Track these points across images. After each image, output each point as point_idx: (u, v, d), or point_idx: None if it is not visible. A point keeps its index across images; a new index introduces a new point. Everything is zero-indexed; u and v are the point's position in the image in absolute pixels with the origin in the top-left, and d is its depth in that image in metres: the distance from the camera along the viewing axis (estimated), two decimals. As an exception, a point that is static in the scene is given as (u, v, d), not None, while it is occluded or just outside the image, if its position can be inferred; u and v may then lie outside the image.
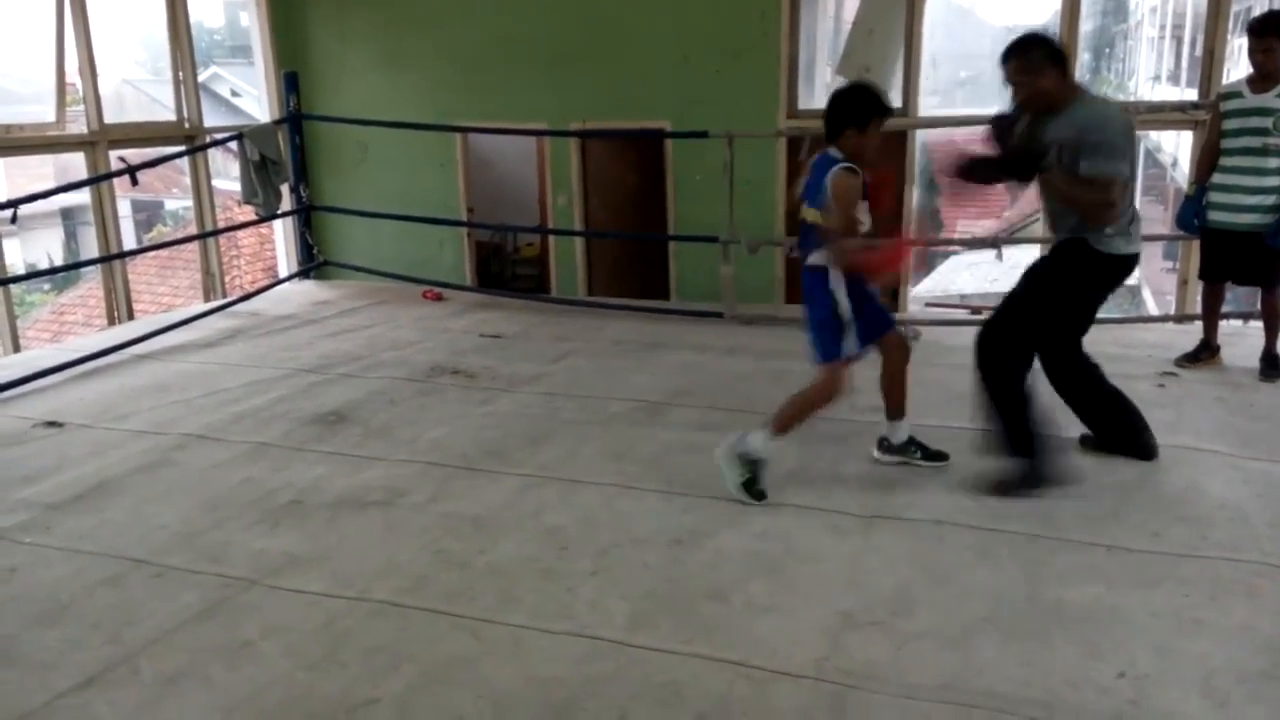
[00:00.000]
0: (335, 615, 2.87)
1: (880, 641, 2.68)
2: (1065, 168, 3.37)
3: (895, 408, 3.81)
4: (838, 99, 3.48)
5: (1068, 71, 3.44)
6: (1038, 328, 3.63)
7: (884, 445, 3.88)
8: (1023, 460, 3.52)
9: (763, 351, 5.60)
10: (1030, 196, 13.71)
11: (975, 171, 3.57)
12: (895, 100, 6.37)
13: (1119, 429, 3.85)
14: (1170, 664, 2.55)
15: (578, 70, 7.02)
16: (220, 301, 7.14)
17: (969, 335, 5.85)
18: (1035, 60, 3.37)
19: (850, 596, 2.91)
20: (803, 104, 6.63)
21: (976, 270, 12.19)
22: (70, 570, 3.18)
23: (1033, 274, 3.70)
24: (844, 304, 3.46)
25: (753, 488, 3.51)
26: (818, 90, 6.95)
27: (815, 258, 3.49)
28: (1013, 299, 3.67)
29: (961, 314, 7.02)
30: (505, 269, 9.23)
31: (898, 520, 3.40)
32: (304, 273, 7.87)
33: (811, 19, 6.76)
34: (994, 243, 6.26)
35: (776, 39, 6.51)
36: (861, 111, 3.39)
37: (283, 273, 8.22)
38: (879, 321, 3.66)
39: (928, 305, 7.69)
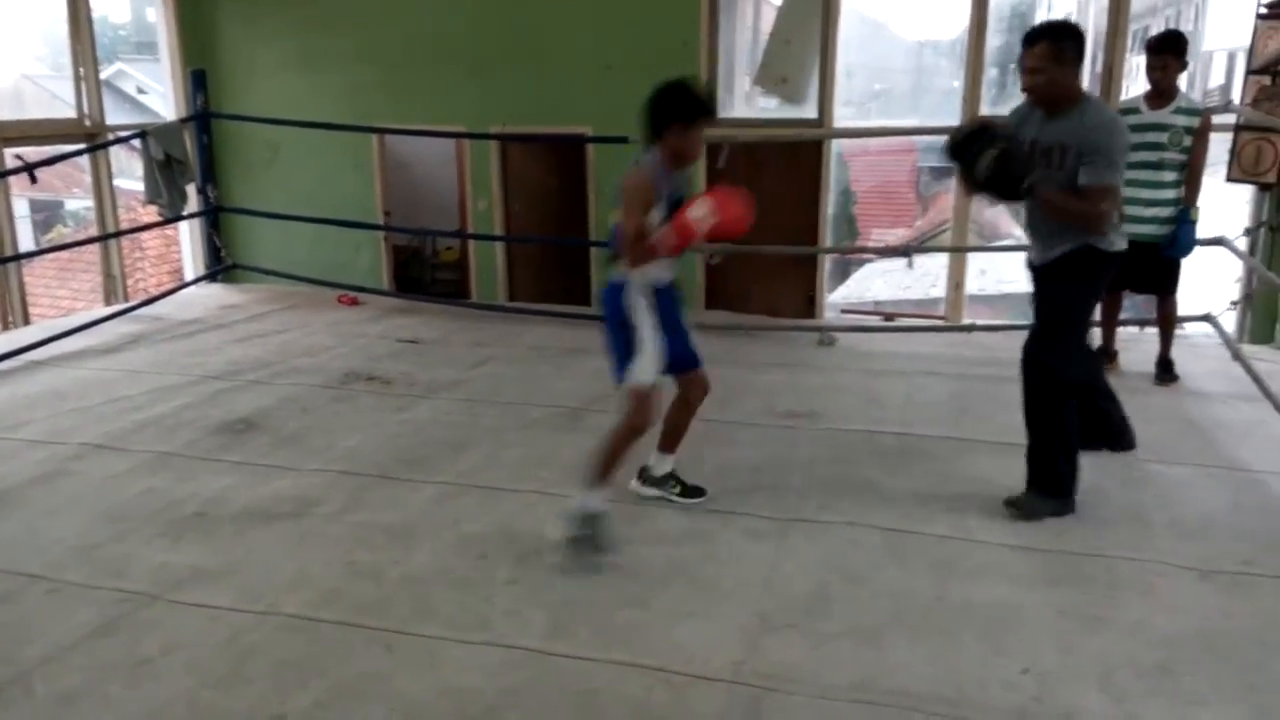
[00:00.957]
0: (241, 630, 2.78)
1: (796, 643, 2.71)
2: (1062, 172, 3.24)
3: (672, 441, 3.57)
4: (664, 93, 3.09)
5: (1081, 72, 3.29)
6: (1074, 339, 3.53)
7: (644, 476, 3.63)
8: (1053, 497, 3.49)
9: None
10: (941, 206, 13.94)
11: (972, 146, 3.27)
12: (811, 111, 6.49)
13: (1105, 421, 3.81)
14: (1072, 660, 2.64)
15: (498, 73, 6.96)
16: (122, 305, 6.87)
17: (882, 341, 6.04)
18: (1066, 51, 3.20)
19: (767, 599, 2.94)
20: (722, 112, 6.68)
21: (890, 278, 12.47)
22: (-44, 588, 3.02)
23: (1050, 292, 3.49)
24: (640, 323, 3.15)
25: (584, 545, 3.15)
26: (737, 99, 7.03)
27: (612, 270, 3.22)
28: (1044, 321, 3.51)
29: (875, 320, 7.16)
30: (424, 273, 9.08)
31: (813, 523, 3.44)
32: (211, 276, 7.63)
33: (730, 29, 6.82)
34: (905, 251, 6.41)
35: (695, 48, 6.56)
36: (689, 107, 3.06)
37: (189, 276, 7.95)
38: (685, 355, 3.39)
39: (842, 311, 7.83)
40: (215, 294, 7.42)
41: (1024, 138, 3.33)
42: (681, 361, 3.39)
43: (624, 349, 3.22)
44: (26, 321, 6.58)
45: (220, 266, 7.62)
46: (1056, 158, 3.26)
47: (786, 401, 4.77)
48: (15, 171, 6.04)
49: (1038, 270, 3.51)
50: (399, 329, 6.33)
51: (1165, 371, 5.05)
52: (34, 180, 6.12)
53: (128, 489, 3.76)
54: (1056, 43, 3.21)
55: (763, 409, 4.67)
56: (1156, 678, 2.56)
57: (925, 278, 11.23)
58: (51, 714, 2.43)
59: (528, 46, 6.90)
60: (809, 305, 6.72)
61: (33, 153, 6.33)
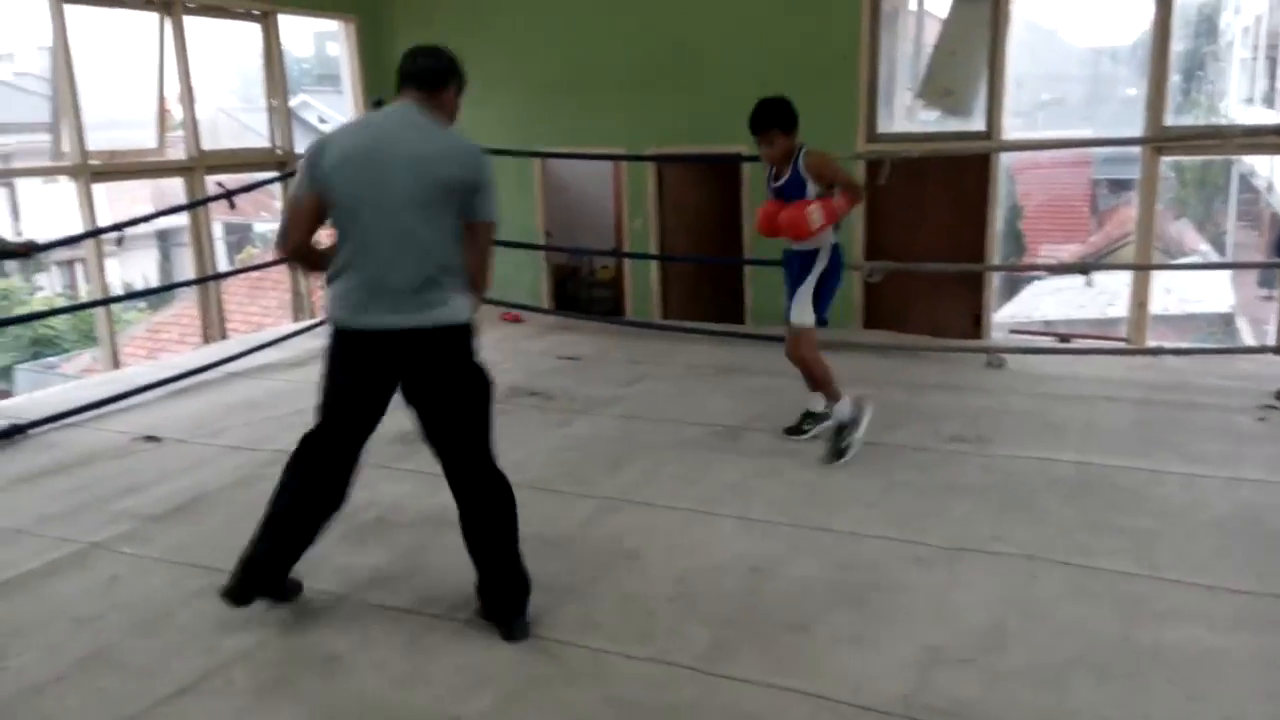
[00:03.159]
0: (420, 632, 2.91)
1: (969, 679, 2.61)
2: None
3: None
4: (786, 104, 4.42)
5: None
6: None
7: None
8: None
9: (839, 377, 5.53)
10: (1120, 220, 13.16)
11: None
12: (979, 123, 6.28)
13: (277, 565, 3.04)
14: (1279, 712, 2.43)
15: (655, 95, 7.07)
16: (308, 322, 7.34)
17: (1056, 363, 5.76)
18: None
19: (938, 631, 2.85)
20: (882, 127, 6.57)
21: (1062, 296, 11.88)
22: (168, 580, 3.29)
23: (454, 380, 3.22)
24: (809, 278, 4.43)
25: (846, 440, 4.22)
26: (897, 114, 6.88)
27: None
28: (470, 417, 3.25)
29: (1046, 341, 6.84)
30: (581, 291, 9.29)
31: (985, 554, 3.31)
32: (387, 294, 8.03)
33: (891, 42, 6.70)
34: (1084, 268, 6.10)
35: (855, 62, 6.47)
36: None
37: (366, 294, 8.41)
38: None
39: (1011, 332, 7.51)
40: (389, 311, 7.81)
41: None
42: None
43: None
44: (224, 335, 7.13)
45: (394, 284, 8.01)
46: None
47: (953, 425, 4.62)
48: (221, 197, 6.56)
49: None
50: (559, 346, 6.50)
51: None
52: (232, 206, 6.64)
53: (314, 494, 3.99)
54: None
55: (928, 432, 4.54)
56: (1380, 738, 2.34)
57: (1101, 296, 10.66)
58: (248, 705, 2.60)
59: (685, 67, 6.98)
60: (974, 325, 6.49)
61: (229, 180, 6.87)
